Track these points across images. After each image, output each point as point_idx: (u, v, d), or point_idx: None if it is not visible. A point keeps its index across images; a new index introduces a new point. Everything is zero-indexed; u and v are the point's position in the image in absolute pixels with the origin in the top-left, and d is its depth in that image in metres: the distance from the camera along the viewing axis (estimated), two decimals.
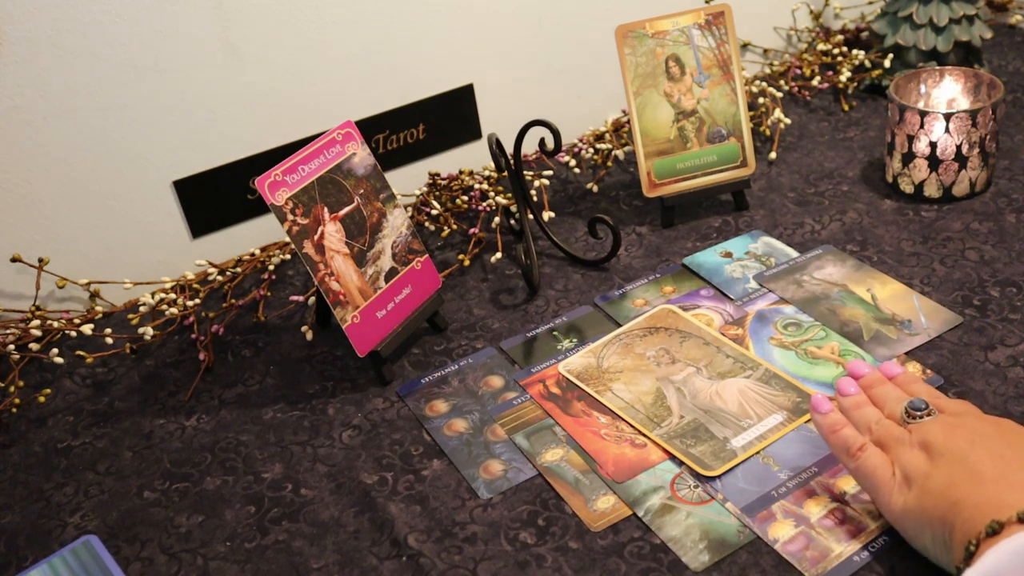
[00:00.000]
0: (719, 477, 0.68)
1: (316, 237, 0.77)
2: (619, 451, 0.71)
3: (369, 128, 1.02)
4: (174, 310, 0.90)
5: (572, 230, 0.98)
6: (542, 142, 0.90)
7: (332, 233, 0.78)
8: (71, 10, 0.84)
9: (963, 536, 0.53)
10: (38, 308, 0.89)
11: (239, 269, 0.98)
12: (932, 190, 0.94)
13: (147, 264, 0.96)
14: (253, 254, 1.00)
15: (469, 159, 1.10)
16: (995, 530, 0.51)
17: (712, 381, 0.76)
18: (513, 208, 0.98)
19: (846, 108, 1.14)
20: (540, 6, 1.07)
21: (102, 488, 0.74)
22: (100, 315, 0.94)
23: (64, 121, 0.88)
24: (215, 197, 0.97)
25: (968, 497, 0.54)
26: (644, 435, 0.72)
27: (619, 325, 0.84)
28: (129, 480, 0.75)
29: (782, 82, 1.19)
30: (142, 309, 0.91)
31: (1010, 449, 0.56)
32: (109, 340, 0.89)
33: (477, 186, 1.03)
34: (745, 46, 1.23)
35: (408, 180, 1.06)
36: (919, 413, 0.61)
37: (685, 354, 0.79)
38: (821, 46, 1.22)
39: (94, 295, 0.93)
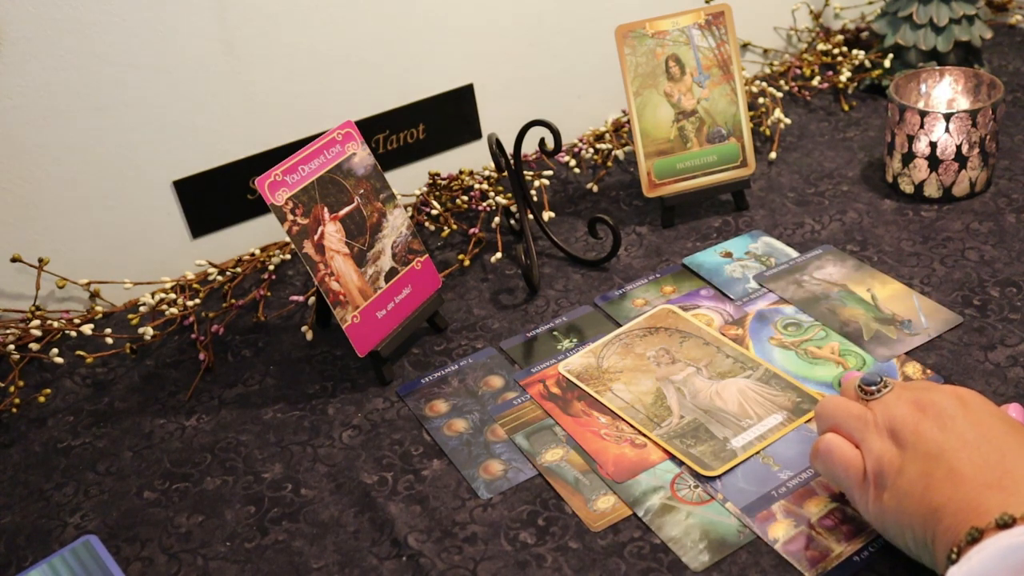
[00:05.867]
0: (719, 477, 0.68)
1: (316, 237, 0.77)
2: (619, 451, 0.71)
3: (369, 128, 1.02)
4: (174, 310, 0.90)
5: (572, 230, 0.98)
6: (542, 142, 0.90)
7: (332, 233, 0.78)
8: (71, 10, 0.84)
9: (944, 544, 0.52)
10: (38, 308, 0.89)
11: (239, 269, 0.98)
12: (932, 190, 0.94)
13: (147, 264, 0.96)
14: (253, 254, 1.00)
15: (469, 159, 1.10)
16: (975, 537, 0.50)
17: (712, 381, 0.76)
18: (513, 208, 0.98)
19: (846, 108, 1.14)
20: (540, 6, 1.07)
21: (102, 488, 0.74)
22: (100, 315, 0.94)
23: (64, 121, 0.88)
24: (215, 197, 0.97)
25: (947, 503, 0.53)
26: (644, 435, 0.72)
27: (619, 325, 0.84)
28: (129, 480, 0.75)
29: (782, 82, 1.19)
30: (142, 309, 0.91)
31: (985, 441, 0.54)
32: (109, 340, 0.89)
33: (477, 186, 1.03)
34: (745, 46, 1.23)
35: (408, 180, 1.06)
36: (874, 388, 0.60)
37: (685, 354, 0.79)
38: (821, 46, 1.22)
39: (94, 295, 0.93)
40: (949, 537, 0.52)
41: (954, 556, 0.50)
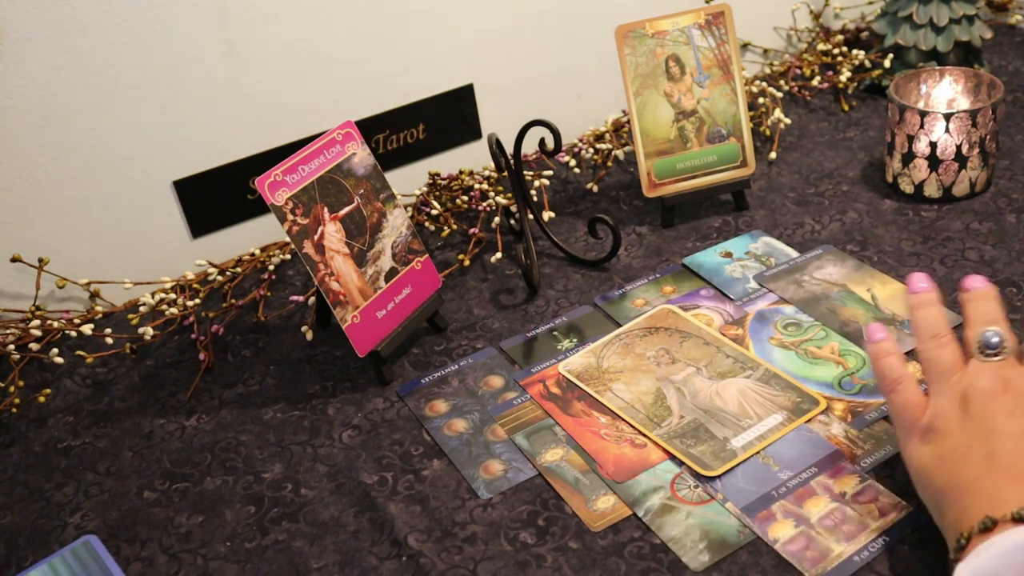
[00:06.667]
0: (719, 477, 0.68)
1: (316, 237, 0.77)
2: (619, 451, 0.71)
3: (369, 128, 1.02)
4: (174, 310, 0.90)
5: (572, 230, 0.98)
6: (542, 142, 0.90)
7: (332, 233, 0.78)
8: (71, 10, 0.84)
9: (955, 525, 0.52)
10: (38, 308, 0.89)
11: (239, 269, 0.98)
12: (932, 190, 0.94)
13: (147, 264, 0.96)
14: (253, 254, 1.00)
15: (469, 159, 1.10)
16: (987, 527, 0.50)
17: (712, 381, 0.76)
18: (513, 208, 0.98)
19: (846, 108, 1.14)
20: (540, 6, 1.07)
21: (102, 488, 0.74)
22: (100, 315, 0.94)
23: (64, 121, 0.88)
24: (215, 197, 0.97)
25: (973, 483, 0.53)
26: (644, 435, 0.72)
27: (619, 325, 0.84)
28: (129, 480, 0.75)
29: (782, 82, 1.19)
30: (142, 309, 0.91)
31: None
32: (109, 340, 0.89)
33: (477, 186, 1.03)
34: (745, 46, 1.23)
35: (408, 180, 1.06)
36: (991, 351, 0.59)
37: (685, 354, 0.79)
38: (821, 46, 1.22)
39: (94, 295, 0.93)
40: (962, 519, 0.52)
41: (963, 542, 0.51)
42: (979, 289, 0.63)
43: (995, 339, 0.59)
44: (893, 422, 0.62)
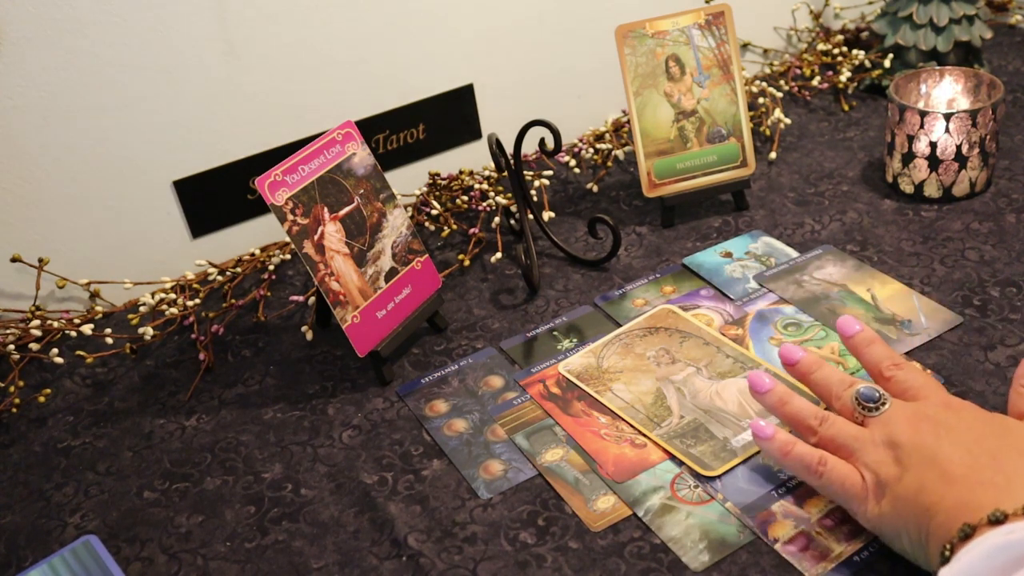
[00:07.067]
0: (719, 477, 0.68)
1: (316, 237, 0.77)
2: (619, 451, 0.71)
3: (369, 128, 1.02)
4: (174, 310, 0.90)
5: (572, 230, 0.98)
6: (542, 142, 0.90)
7: (332, 233, 0.78)
8: (71, 10, 0.84)
9: (938, 541, 0.53)
10: (38, 308, 0.89)
11: (239, 269, 0.98)
12: (932, 190, 0.94)
13: (147, 264, 0.96)
14: (253, 254, 1.00)
15: (469, 159, 1.10)
16: (967, 534, 0.51)
17: (712, 381, 0.76)
18: (513, 208, 0.98)
19: (846, 108, 1.14)
20: (540, 6, 1.07)
21: (102, 488, 0.74)
22: (100, 315, 0.94)
23: (64, 121, 0.88)
24: (215, 197, 0.97)
25: (940, 501, 0.54)
26: (644, 435, 0.72)
27: (619, 325, 0.84)
28: (129, 480, 0.75)
29: (782, 82, 1.19)
30: (142, 309, 0.91)
31: (977, 443, 0.56)
32: (109, 340, 0.89)
33: (477, 186, 1.03)
34: (745, 46, 1.23)
35: (408, 180, 1.06)
36: (873, 405, 0.61)
37: (685, 354, 0.79)
38: (821, 46, 1.22)
39: (94, 295, 0.93)
40: (942, 534, 0.52)
41: (947, 553, 0.51)
42: (864, 334, 0.66)
43: (876, 393, 0.61)
44: (835, 499, 0.61)
